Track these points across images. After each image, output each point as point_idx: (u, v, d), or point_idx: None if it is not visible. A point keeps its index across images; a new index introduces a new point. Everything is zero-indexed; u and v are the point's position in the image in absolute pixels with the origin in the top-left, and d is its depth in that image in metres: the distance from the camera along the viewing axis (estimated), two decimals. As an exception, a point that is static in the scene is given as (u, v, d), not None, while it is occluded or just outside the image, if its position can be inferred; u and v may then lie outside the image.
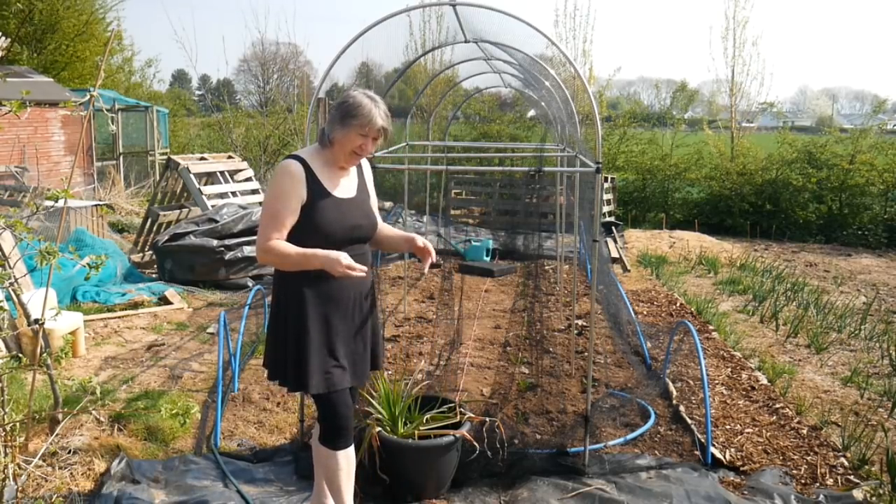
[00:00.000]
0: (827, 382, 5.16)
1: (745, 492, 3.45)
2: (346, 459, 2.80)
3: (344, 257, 2.53)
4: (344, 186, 2.75)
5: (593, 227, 3.92)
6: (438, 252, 9.23)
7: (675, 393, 4.60)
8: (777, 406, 4.50)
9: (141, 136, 15.78)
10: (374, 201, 2.91)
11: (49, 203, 2.90)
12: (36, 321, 3.04)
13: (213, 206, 8.27)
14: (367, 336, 2.82)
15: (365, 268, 2.60)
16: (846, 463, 3.75)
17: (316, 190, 2.64)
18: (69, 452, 3.56)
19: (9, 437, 2.89)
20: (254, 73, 38.33)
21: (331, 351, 2.69)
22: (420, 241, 2.85)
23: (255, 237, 7.51)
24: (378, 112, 2.62)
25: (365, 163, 2.93)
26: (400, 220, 9.68)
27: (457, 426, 3.34)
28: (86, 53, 16.71)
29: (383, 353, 3.06)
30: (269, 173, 16.56)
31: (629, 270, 9.01)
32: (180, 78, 48.88)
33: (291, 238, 2.62)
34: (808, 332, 6.34)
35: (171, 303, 6.66)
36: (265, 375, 2.91)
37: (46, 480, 3.26)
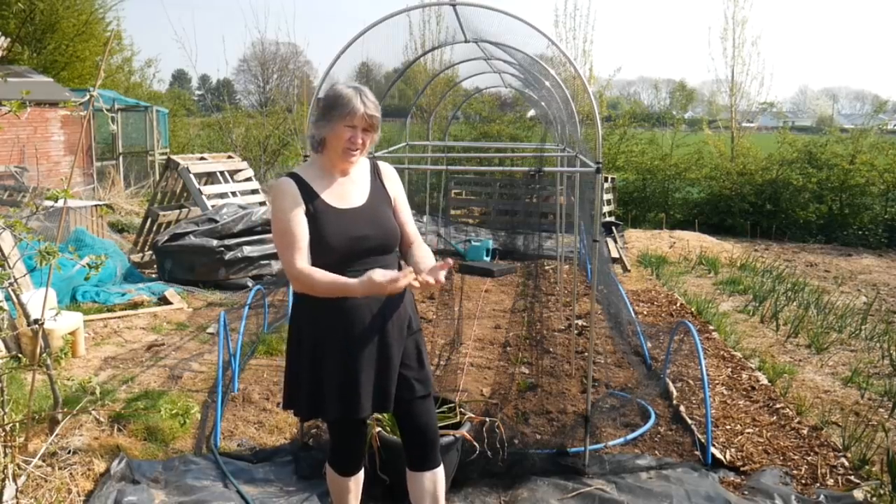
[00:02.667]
0: (827, 382, 5.15)
1: (746, 492, 3.45)
2: (356, 483, 2.79)
3: (377, 275, 2.29)
4: (347, 195, 2.55)
5: (593, 227, 3.92)
6: (438, 252, 9.23)
7: (675, 393, 4.59)
8: (777, 406, 4.50)
9: (141, 136, 15.77)
10: (400, 209, 2.66)
11: (49, 203, 2.89)
12: (36, 321, 3.04)
13: (212, 206, 8.27)
14: (393, 359, 2.54)
15: (410, 269, 2.35)
16: (846, 463, 3.74)
17: (312, 202, 2.48)
18: (69, 452, 3.55)
19: (9, 438, 2.88)
20: (254, 73, 38.39)
21: (347, 376, 2.49)
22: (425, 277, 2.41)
23: (254, 237, 7.56)
24: (361, 99, 2.43)
25: (385, 166, 2.72)
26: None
27: (457, 426, 3.34)
28: (86, 53, 16.70)
29: (424, 378, 2.65)
30: (269, 173, 16.57)
31: (629, 270, 9.01)
32: (180, 78, 48.84)
33: None
34: (809, 333, 6.34)
35: (170, 303, 6.65)
36: (280, 404, 2.75)
37: (46, 480, 3.26)
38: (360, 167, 2.64)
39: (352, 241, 2.47)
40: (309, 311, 2.53)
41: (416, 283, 2.35)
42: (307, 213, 2.46)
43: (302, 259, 2.41)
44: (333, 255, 2.44)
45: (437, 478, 2.69)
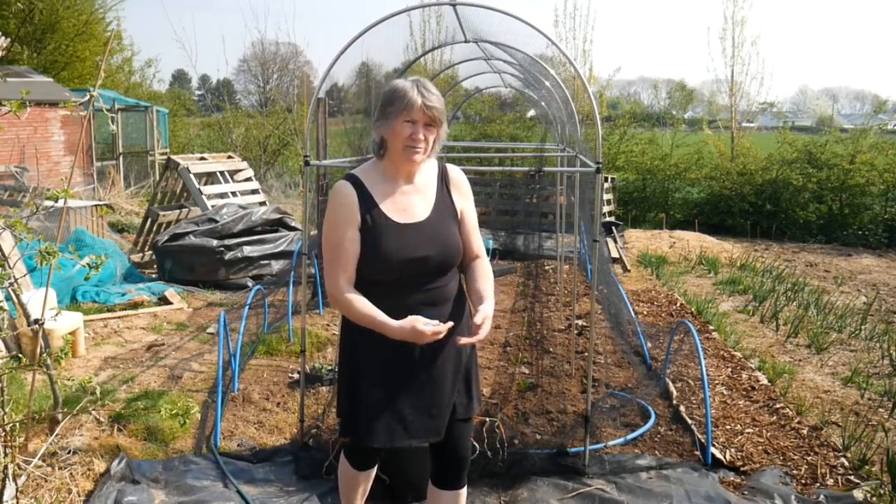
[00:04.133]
0: (827, 382, 5.16)
1: (746, 492, 3.45)
2: (368, 478, 2.79)
3: (419, 323, 2.17)
4: (410, 207, 2.34)
5: (593, 227, 3.92)
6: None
7: (675, 393, 4.59)
8: (777, 406, 4.50)
9: (141, 136, 15.79)
10: (467, 222, 2.45)
11: (49, 203, 2.88)
12: (36, 321, 3.03)
13: (212, 206, 8.28)
14: (448, 388, 2.40)
15: (450, 324, 2.23)
16: (846, 463, 3.74)
17: (370, 213, 2.28)
18: (69, 452, 3.55)
19: (9, 438, 2.88)
20: (254, 73, 38.35)
21: (393, 404, 2.36)
22: (479, 317, 2.31)
23: (254, 237, 7.56)
24: (419, 90, 2.24)
25: (455, 172, 2.48)
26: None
27: (457, 426, 3.33)
28: (86, 53, 16.72)
29: (469, 400, 2.52)
30: (269, 173, 16.57)
31: (629, 270, 9.01)
32: (180, 78, 48.86)
33: None
34: (809, 333, 6.34)
35: (170, 303, 6.66)
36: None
37: (46, 480, 3.26)
38: (426, 171, 2.43)
39: (410, 262, 2.29)
40: (354, 328, 2.38)
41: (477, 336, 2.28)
42: (364, 224, 2.29)
43: (346, 281, 2.28)
44: (388, 273, 2.29)
45: (459, 498, 2.62)
